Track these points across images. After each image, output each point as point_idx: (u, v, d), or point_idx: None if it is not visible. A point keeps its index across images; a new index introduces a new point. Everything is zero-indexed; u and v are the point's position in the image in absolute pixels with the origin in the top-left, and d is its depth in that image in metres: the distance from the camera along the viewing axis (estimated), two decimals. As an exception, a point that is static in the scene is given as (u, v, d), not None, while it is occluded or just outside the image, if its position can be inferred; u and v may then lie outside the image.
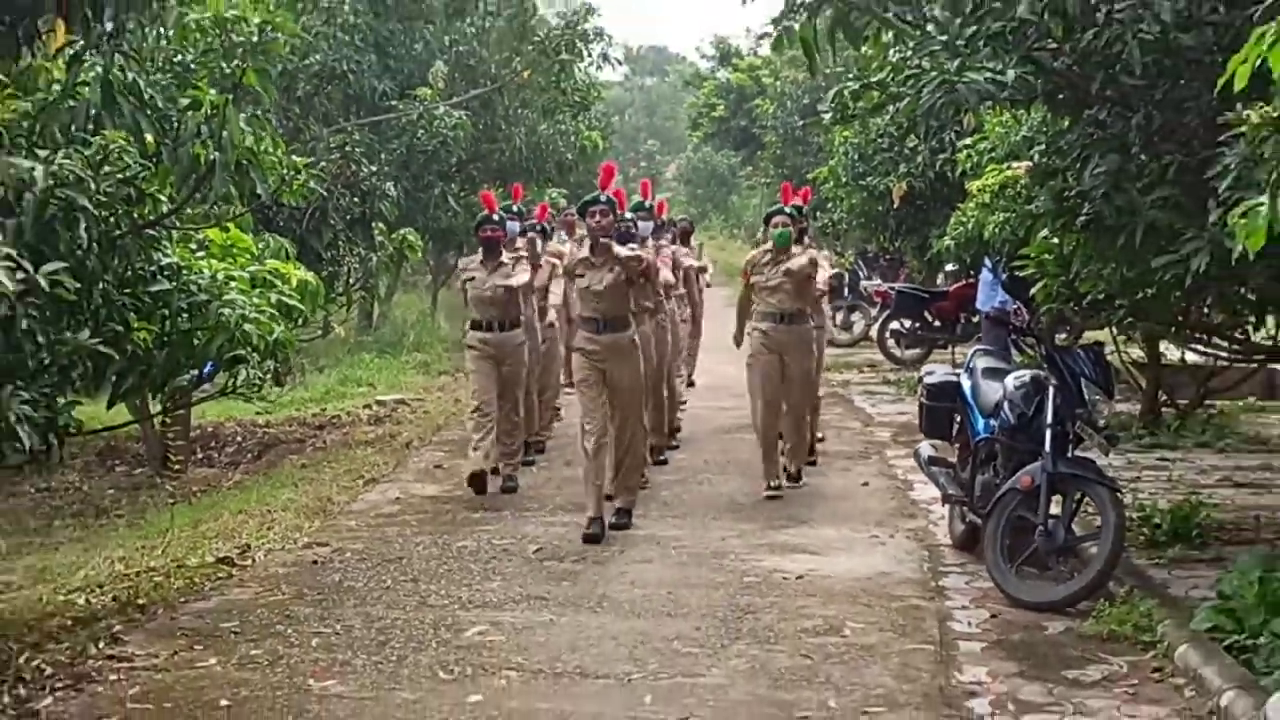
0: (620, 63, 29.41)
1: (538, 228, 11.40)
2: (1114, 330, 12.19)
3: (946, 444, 9.04)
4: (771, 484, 10.14)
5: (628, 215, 10.36)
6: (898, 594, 7.78)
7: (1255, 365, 10.53)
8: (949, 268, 18.85)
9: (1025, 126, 9.80)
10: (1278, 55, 4.33)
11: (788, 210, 9.96)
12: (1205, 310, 9.45)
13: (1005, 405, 8.02)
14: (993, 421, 8.17)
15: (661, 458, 11.33)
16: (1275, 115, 4.60)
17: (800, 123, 27.16)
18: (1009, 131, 10.96)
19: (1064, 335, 12.05)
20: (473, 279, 10.42)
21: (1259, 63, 4.49)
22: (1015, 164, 10.23)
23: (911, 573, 8.28)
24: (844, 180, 18.38)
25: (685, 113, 50.20)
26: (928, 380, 9.32)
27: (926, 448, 8.97)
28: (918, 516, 9.73)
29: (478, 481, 10.13)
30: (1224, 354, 10.48)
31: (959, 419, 8.81)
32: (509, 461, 10.74)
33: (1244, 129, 5.07)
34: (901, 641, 6.92)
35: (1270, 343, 9.28)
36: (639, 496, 9.94)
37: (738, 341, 10.78)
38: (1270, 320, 9.13)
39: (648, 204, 12.11)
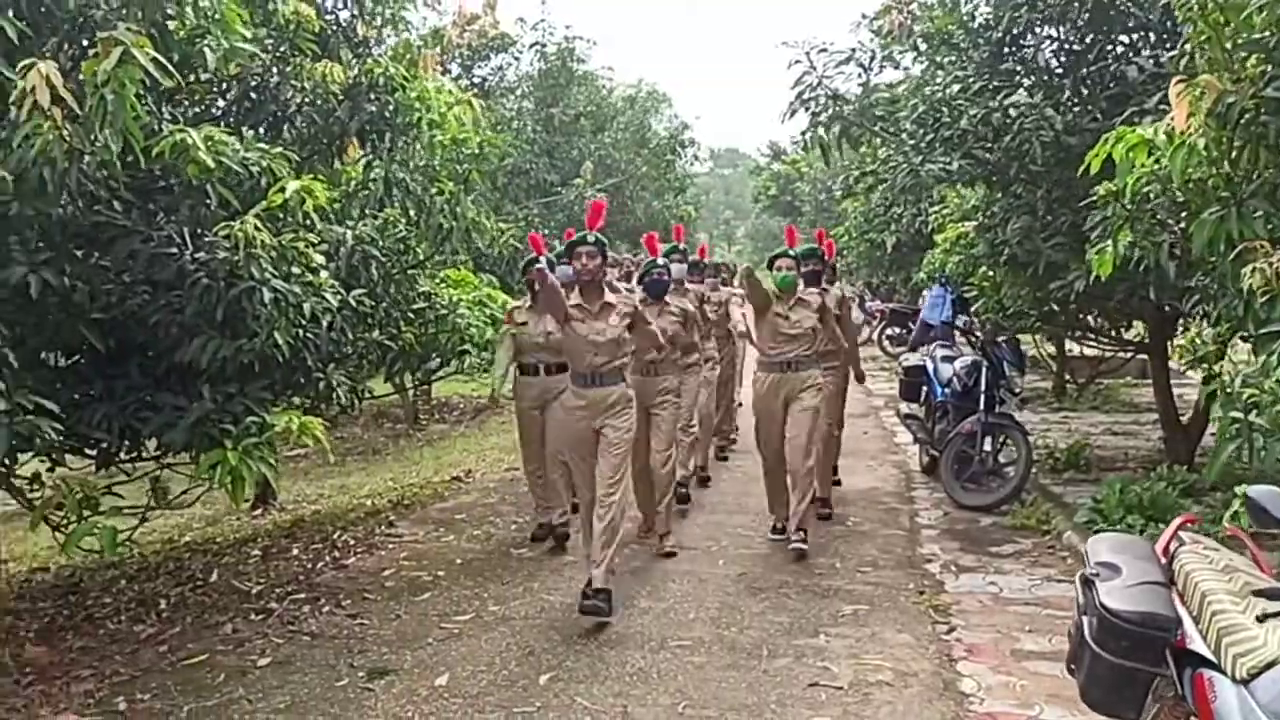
0: (706, 160, 29.50)
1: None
2: (1034, 335, 12.25)
3: (917, 405, 9.10)
4: (778, 526, 6.73)
5: (659, 261, 6.72)
6: (883, 500, 7.96)
7: (1130, 355, 10.49)
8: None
9: (973, 198, 9.71)
10: (1117, 151, 4.55)
11: (792, 253, 6.61)
12: (1093, 319, 9.51)
13: (954, 379, 8.09)
14: (947, 390, 8.24)
15: (684, 490, 7.70)
16: (1114, 189, 4.78)
17: (825, 198, 27.18)
18: (962, 201, 11.01)
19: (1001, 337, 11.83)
20: (524, 323, 6.77)
21: (1107, 156, 4.72)
22: (965, 223, 10.27)
23: (893, 487, 8.43)
24: (854, 236, 18.44)
25: (750, 192, 49.84)
26: (904, 363, 9.46)
27: (904, 407, 9.11)
28: (898, 453, 9.81)
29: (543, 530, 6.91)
30: (1108, 348, 10.49)
31: (925, 389, 8.89)
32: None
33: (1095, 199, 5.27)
34: (885, 529, 7.11)
35: (1137, 340, 9.30)
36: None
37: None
38: (1137, 325, 9.16)
39: (681, 246, 7.85)
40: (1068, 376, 13.11)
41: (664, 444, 6.54)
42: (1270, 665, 2.39)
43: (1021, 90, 7.01)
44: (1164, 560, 3.01)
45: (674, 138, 21.43)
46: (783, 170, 38.92)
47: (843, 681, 4.48)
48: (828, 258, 7.34)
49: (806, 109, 7.30)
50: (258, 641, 5.19)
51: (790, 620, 5.26)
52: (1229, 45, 3.93)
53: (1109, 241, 4.86)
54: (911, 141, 7.31)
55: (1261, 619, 2.36)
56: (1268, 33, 3.73)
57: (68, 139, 3.84)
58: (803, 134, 7.76)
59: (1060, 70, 7.67)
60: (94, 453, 5.28)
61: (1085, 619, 2.86)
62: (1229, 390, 3.52)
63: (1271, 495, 2.43)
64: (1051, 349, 13.51)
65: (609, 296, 5.62)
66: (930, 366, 8.75)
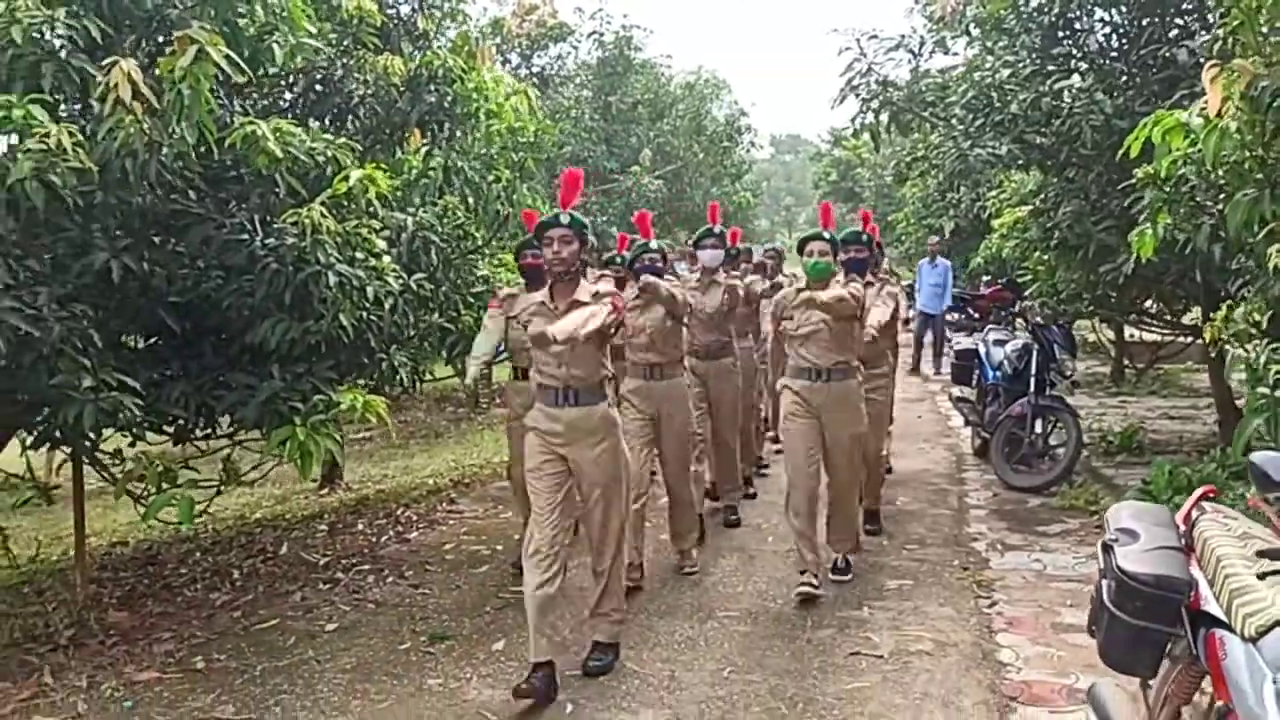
0: (766, 146, 29.42)
1: (617, 260, 6.21)
2: (1093, 320, 12.18)
3: (969, 388, 9.14)
4: (804, 577, 5.31)
5: (651, 245, 5.64)
6: (933, 481, 8.04)
7: (1190, 340, 10.39)
8: (985, 279, 18.66)
9: (1030, 183, 9.60)
10: (1155, 134, 4.62)
11: (827, 235, 5.40)
12: (1149, 303, 9.48)
13: (1005, 363, 8.11)
14: (997, 373, 8.26)
15: (734, 517, 6.89)
16: (1152, 173, 4.84)
17: (884, 183, 27.10)
18: (1019, 186, 10.98)
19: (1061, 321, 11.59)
20: (516, 315, 5.05)
21: (1148, 139, 4.79)
22: (1022, 208, 10.25)
23: (944, 469, 8.50)
24: (912, 221, 18.40)
25: (811, 178, 49.64)
26: (956, 346, 9.53)
27: (956, 391, 9.16)
28: (951, 436, 9.85)
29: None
30: (1165, 332, 10.45)
31: (976, 372, 8.92)
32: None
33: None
34: (934, 509, 7.21)
35: (1193, 324, 9.25)
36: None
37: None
38: (1196, 309, 9.10)
39: (717, 230, 6.73)
40: (1126, 361, 13.00)
41: (677, 461, 5.77)
42: (1278, 624, 2.51)
43: (1075, 75, 7.06)
44: (1184, 528, 3.12)
45: (730, 124, 21.48)
46: (843, 156, 38.70)
47: (883, 651, 4.63)
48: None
49: (856, 95, 7.39)
50: (325, 609, 5.48)
51: (835, 593, 5.42)
52: (1263, 30, 4.00)
53: (1149, 224, 4.93)
54: (961, 127, 7.38)
55: (1261, 576, 2.48)
56: (1299, 16, 3.79)
57: (148, 131, 4.12)
58: (852, 120, 7.86)
59: (1114, 54, 7.68)
60: (171, 429, 5.58)
61: (1104, 582, 2.99)
62: (1255, 367, 3.61)
63: (1274, 461, 2.54)
64: (1110, 334, 13.42)
65: (582, 293, 4.38)
66: (982, 350, 8.78)
